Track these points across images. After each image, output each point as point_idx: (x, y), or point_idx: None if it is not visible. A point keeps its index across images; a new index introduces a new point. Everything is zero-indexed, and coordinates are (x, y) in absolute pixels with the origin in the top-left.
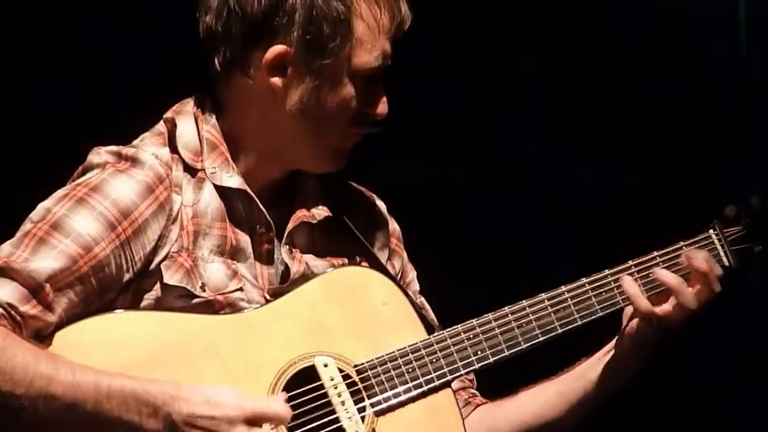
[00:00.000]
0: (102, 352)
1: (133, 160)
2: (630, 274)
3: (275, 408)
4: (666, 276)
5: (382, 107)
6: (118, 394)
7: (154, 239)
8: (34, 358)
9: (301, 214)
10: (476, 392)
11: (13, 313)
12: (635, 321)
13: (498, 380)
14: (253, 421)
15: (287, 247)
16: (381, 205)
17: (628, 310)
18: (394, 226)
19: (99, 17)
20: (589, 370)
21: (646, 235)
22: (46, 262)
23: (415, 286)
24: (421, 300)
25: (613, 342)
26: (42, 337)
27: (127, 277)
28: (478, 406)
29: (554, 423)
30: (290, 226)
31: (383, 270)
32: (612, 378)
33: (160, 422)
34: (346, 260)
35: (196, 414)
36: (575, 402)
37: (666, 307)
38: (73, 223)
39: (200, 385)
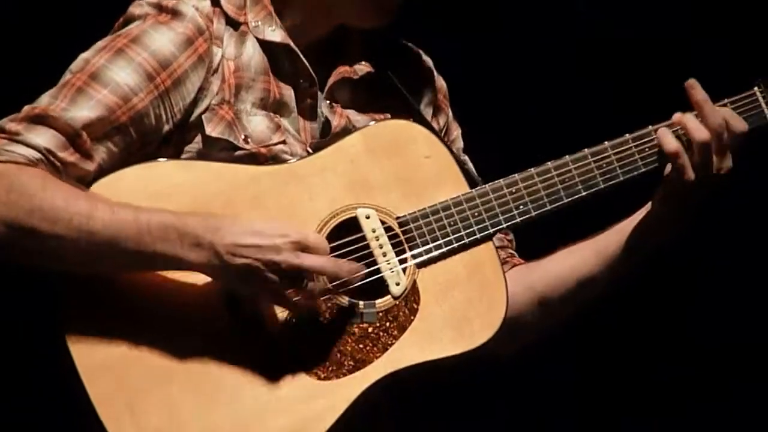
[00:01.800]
0: (142, 201)
1: (174, 12)
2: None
3: (317, 238)
4: (667, 141)
5: None
6: (158, 227)
7: (193, 91)
8: (72, 196)
9: (342, 70)
10: (514, 252)
11: (51, 158)
12: (671, 172)
13: (537, 246)
14: (298, 247)
15: (328, 101)
16: (428, 61)
17: (666, 169)
18: (440, 83)
19: None
20: (626, 226)
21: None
22: (83, 111)
23: (460, 143)
24: (465, 158)
25: (652, 199)
26: (82, 184)
27: (166, 128)
28: (515, 265)
29: (589, 280)
30: (331, 80)
31: (426, 124)
32: (649, 234)
33: (203, 252)
34: (389, 115)
35: (241, 243)
36: (611, 258)
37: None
38: (112, 73)
39: (242, 217)
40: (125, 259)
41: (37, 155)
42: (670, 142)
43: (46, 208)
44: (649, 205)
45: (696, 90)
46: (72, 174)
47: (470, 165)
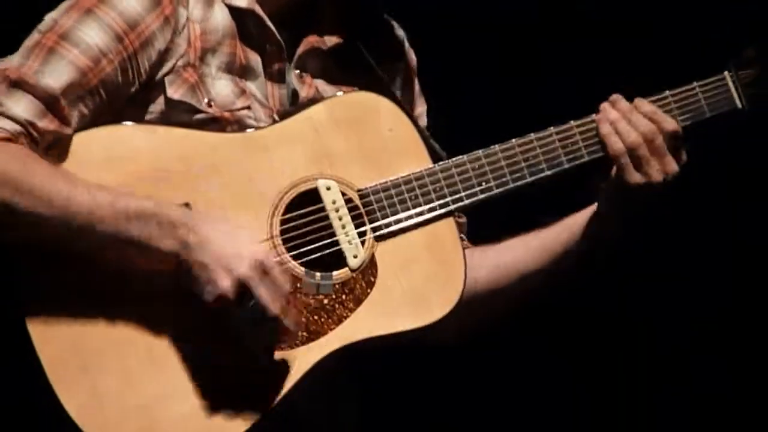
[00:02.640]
0: (105, 164)
1: None
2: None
3: (282, 274)
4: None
5: None
6: (136, 213)
7: (160, 52)
8: (52, 177)
9: (312, 39)
10: (464, 236)
11: (31, 130)
12: (615, 171)
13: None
14: (260, 267)
15: (297, 71)
16: (401, 34)
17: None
18: (411, 56)
19: None
20: (573, 222)
21: (663, 75)
22: (58, 75)
23: (423, 120)
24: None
25: (599, 198)
26: (54, 147)
27: (132, 89)
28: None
29: (531, 273)
30: (300, 50)
31: (393, 97)
32: (594, 233)
33: (176, 241)
34: (356, 87)
35: (212, 239)
36: (557, 253)
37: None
38: (82, 33)
39: (224, 216)
40: (100, 241)
41: (18, 128)
42: (615, 142)
43: (26, 188)
44: (596, 203)
45: (617, 104)
46: (50, 140)
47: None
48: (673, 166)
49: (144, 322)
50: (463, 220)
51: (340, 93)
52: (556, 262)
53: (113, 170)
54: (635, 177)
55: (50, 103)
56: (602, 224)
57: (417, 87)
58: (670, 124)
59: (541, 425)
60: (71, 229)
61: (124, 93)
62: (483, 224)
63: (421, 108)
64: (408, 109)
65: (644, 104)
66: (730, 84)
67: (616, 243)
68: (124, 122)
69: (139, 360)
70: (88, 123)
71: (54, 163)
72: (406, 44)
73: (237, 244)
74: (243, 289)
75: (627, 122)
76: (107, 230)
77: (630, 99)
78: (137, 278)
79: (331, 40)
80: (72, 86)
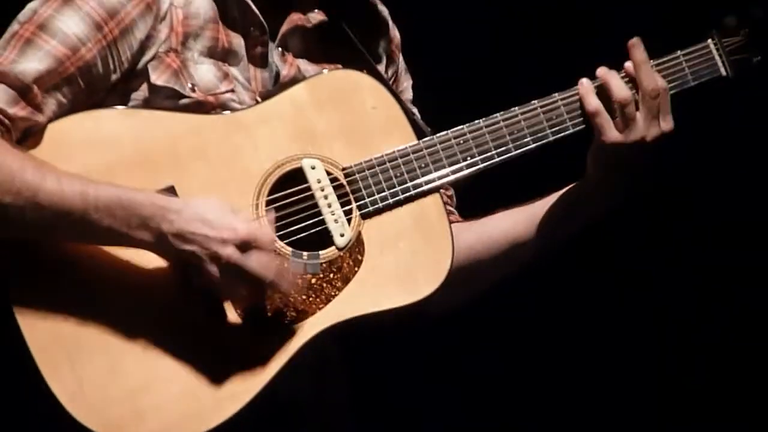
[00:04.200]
0: (87, 150)
1: None
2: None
3: (266, 232)
4: (588, 101)
5: None
6: (105, 204)
7: (141, 39)
8: (20, 166)
9: (296, 17)
10: (454, 210)
11: (1, 117)
12: (594, 132)
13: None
14: (244, 244)
15: (279, 50)
16: (383, 10)
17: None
18: (394, 33)
19: None
20: (563, 195)
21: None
22: (32, 63)
23: (409, 94)
24: (414, 110)
25: (587, 164)
26: (30, 135)
27: (114, 77)
28: (452, 223)
29: (522, 244)
30: (284, 28)
31: (377, 75)
32: (582, 201)
33: (149, 234)
34: (340, 65)
35: (189, 230)
36: (544, 225)
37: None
38: (60, 23)
39: (193, 200)
40: (72, 232)
41: None
42: (590, 101)
43: None
44: (585, 174)
45: (636, 49)
46: (21, 128)
47: (418, 116)
48: (657, 129)
49: (127, 308)
50: (451, 192)
51: (325, 71)
52: (545, 232)
53: (96, 155)
54: (621, 135)
55: (22, 90)
56: (590, 190)
57: (402, 63)
58: (661, 83)
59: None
60: (42, 219)
61: (106, 81)
62: (473, 197)
63: (406, 83)
64: (391, 86)
65: (631, 66)
66: (714, 52)
67: (604, 210)
68: (105, 107)
69: (124, 345)
70: (68, 111)
71: (27, 152)
72: (390, 21)
73: (215, 227)
74: (234, 269)
75: (616, 80)
76: (78, 221)
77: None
78: (120, 264)
79: (314, 18)
80: (48, 74)
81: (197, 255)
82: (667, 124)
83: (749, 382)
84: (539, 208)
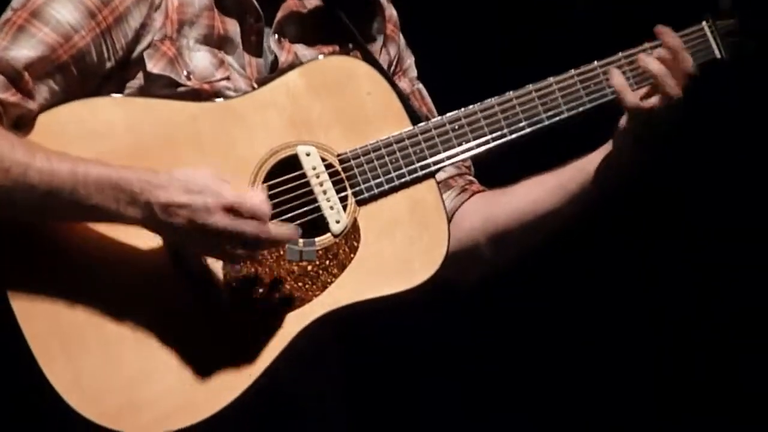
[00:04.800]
0: (82, 139)
1: None
2: (619, 66)
3: (255, 201)
4: (650, 63)
5: None
6: (94, 181)
7: (136, 27)
8: (10, 146)
9: (291, 3)
10: (473, 179)
11: None
12: (625, 116)
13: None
14: (232, 210)
15: (276, 36)
16: None
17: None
18: (391, 11)
19: None
20: (588, 164)
21: (641, 27)
22: (24, 50)
23: (413, 72)
24: (419, 87)
25: (615, 131)
26: (23, 123)
27: (108, 65)
28: (474, 193)
29: (551, 214)
30: (280, 14)
31: (372, 60)
32: (610, 173)
33: (138, 209)
34: (336, 49)
35: (174, 202)
36: (574, 194)
37: (653, 101)
38: (53, 11)
39: (179, 171)
40: (63, 211)
41: None
42: (652, 62)
43: None
44: (608, 145)
45: (667, 36)
46: (13, 114)
47: (425, 95)
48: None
49: (123, 298)
50: (469, 162)
51: (321, 56)
52: (572, 201)
53: (89, 144)
54: (656, 101)
55: (13, 76)
56: (618, 159)
57: (402, 41)
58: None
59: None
60: (32, 198)
61: (100, 69)
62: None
63: (409, 60)
64: (386, 72)
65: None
66: (709, 34)
67: (631, 177)
68: (100, 95)
69: (119, 334)
70: (61, 99)
71: (13, 133)
72: (385, 1)
73: (201, 197)
74: (223, 236)
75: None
76: (67, 199)
77: (607, 53)
78: (116, 252)
79: (310, 3)
80: (40, 61)
81: (184, 227)
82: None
83: (742, 381)
84: (567, 176)
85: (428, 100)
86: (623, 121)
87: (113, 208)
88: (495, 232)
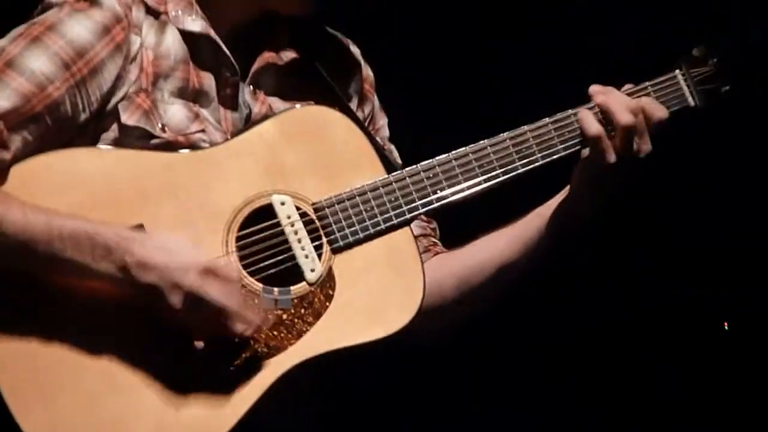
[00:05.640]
0: (57, 190)
1: (91, 1)
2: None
3: (229, 269)
4: (589, 124)
5: None
6: (70, 234)
7: (110, 79)
8: None
9: (267, 56)
10: (437, 241)
11: None
12: (592, 155)
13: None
14: (207, 272)
15: (251, 88)
16: (355, 50)
17: (585, 152)
18: (367, 72)
19: None
20: (544, 210)
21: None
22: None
23: (385, 132)
24: (390, 148)
25: (571, 182)
26: None
27: (83, 117)
28: (437, 254)
29: (509, 266)
30: (256, 66)
31: (347, 111)
32: (567, 217)
33: (113, 264)
34: (312, 103)
35: (151, 259)
36: (530, 244)
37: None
38: (28, 61)
39: (157, 232)
40: (36, 263)
41: None
42: (591, 124)
43: None
44: (566, 190)
45: (599, 95)
46: None
47: (396, 154)
48: (649, 145)
49: (99, 342)
50: (434, 225)
51: (297, 106)
52: (531, 251)
53: (65, 195)
54: (614, 157)
55: None
56: (575, 205)
57: (376, 102)
58: (660, 110)
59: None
60: (5, 248)
61: (75, 120)
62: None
63: (382, 121)
64: (362, 122)
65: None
66: (682, 82)
67: (586, 224)
68: (75, 147)
69: (96, 381)
70: (35, 150)
71: None
72: (362, 61)
73: (177, 257)
74: (196, 298)
75: (619, 104)
76: (42, 251)
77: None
78: (89, 298)
79: (287, 56)
80: (14, 111)
81: (158, 286)
82: (649, 144)
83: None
84: (521, 228)
85: (395, 155)
86: (581, 167)
87: (87, 261)
88: (458, 288)
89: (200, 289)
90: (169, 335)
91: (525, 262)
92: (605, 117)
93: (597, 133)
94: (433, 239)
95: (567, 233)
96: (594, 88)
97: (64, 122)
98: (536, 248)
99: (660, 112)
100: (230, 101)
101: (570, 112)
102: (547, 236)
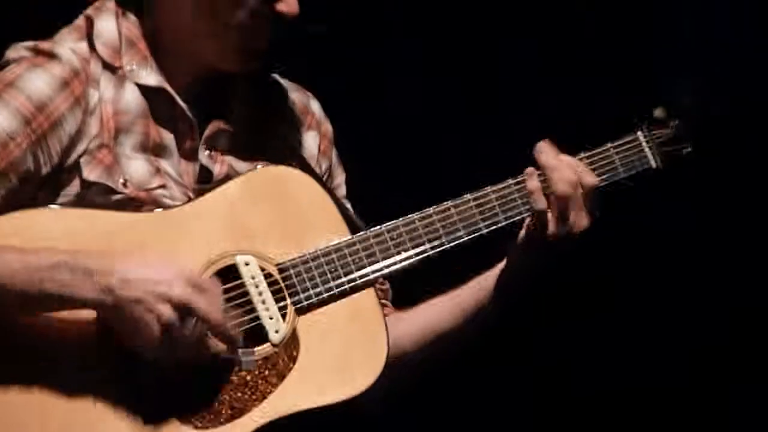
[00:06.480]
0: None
1: (50, 55)
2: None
3: (211, 282)
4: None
5: (288, 4)
6: (48, 263)
7: (71, 133)
8: None
9: (216, 123)
10: (387, 302)
11: None
12: (526, 227)
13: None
14: (192, 283)
15: (207, 151)
16: (315, 104)
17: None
18: (326, 127)
19: None
20: (484, 281)
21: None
22: None
23: (342, 190)
24: (348, 205)
25: (511, 252)
26: None
27: (45, 171)
28: (386, 315)
29: (451, 333)
30: (207, 132)
31: (308, 169)
32: (507, 286)
33: (95, 285)
34: (270, 161)
35: (136, 275)
36: (471, 312)
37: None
38: None
39: (133, 252)
40: (16, 302)
41: None
42: (540, 198)
43: None
44: (506, 260)
45: (543, 154)
46: None
47: (351, 212)
48: (586, 221)
49: (64, 385)
50: (386, 286)
51: (259, 166)
52: (470, 320)
53: None
54: (554, 230)
55: None
56: (513, 277)
57: (335, 157)
58: (593, 178)
59: None
60: None
61: (36, 176)
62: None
63: (339, 178)
64: (324, 181)
65: (568, 158)
66: (644, 143)
67: (525, 294)
68: (38, 207)
69: (63, 426)
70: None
71: None
72: (322, 115)
73: (160, 271)
74: (184, 309)
75: (558, 173)
76: (18, 286)
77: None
78: (54, 340)
79: (240, 116)
80: None
81: (144, 300)
82: (585, 216)
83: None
84: (461, 297)
85: (355, 217)
86: (522, 235)
87: (68, 286)
88: (399, 354)
89: (189, 298)
90: (132, 391)
91: (463, 331)
92: (544, 181)
93: (545, 206)
94: (384, 301)
95: (505, 302)
96: (540, 147)
97: (27, 178)
98: (474, 318)
99: (591, 179)
100: (191, 153)
101: (510, 181)
102: (486, 306)
